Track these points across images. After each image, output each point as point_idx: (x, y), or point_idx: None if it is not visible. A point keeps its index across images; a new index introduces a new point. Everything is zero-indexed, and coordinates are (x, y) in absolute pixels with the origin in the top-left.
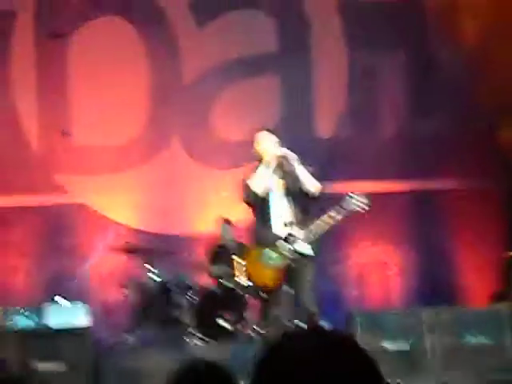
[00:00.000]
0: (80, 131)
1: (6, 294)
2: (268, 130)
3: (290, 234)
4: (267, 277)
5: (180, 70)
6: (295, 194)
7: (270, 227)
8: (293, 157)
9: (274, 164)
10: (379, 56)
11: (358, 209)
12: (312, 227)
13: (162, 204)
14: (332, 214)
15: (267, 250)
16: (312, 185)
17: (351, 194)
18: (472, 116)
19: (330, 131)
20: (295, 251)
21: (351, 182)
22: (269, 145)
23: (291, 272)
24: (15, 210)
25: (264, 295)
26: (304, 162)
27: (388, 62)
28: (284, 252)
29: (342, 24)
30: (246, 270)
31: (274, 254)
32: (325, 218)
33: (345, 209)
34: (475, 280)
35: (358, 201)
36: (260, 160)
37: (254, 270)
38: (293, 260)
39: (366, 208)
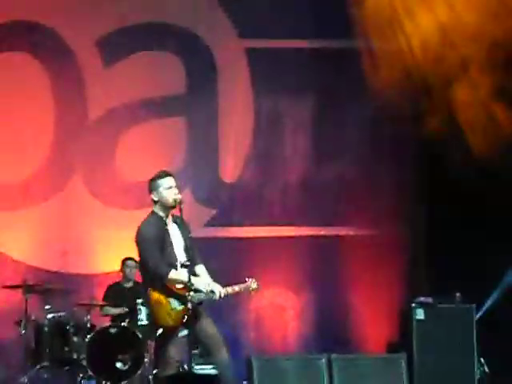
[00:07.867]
0: None
1: None
2: (168, 174)
3: (190, 281)
4: (166, 318)
5: (86, 109)
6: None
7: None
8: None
9: (172, 209)
10: (286, 101)
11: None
12: (215, 290)
13: (62, 242)
14: (236, 288)
15: (170, 292)
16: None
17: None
18: (376, 162)
19: (234, 175)
20: (193, 297)
21: (254, 227)
22: (167, 189)
23: (191, 316)
24: None
25: (160, 336)
26: (209, 205)
27: (294, 106)
28: (186, 296)
29: (249, 68)
30: (149, 310)
31: (175, 297)
32: (229, 289)
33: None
34: (373, 327)
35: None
36: (157, 203)
37: (155, 310)
38: (192, 304)
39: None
